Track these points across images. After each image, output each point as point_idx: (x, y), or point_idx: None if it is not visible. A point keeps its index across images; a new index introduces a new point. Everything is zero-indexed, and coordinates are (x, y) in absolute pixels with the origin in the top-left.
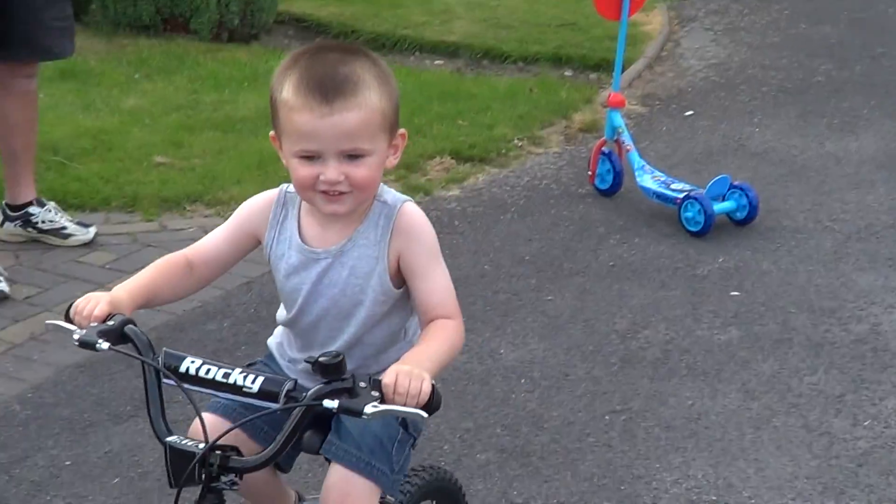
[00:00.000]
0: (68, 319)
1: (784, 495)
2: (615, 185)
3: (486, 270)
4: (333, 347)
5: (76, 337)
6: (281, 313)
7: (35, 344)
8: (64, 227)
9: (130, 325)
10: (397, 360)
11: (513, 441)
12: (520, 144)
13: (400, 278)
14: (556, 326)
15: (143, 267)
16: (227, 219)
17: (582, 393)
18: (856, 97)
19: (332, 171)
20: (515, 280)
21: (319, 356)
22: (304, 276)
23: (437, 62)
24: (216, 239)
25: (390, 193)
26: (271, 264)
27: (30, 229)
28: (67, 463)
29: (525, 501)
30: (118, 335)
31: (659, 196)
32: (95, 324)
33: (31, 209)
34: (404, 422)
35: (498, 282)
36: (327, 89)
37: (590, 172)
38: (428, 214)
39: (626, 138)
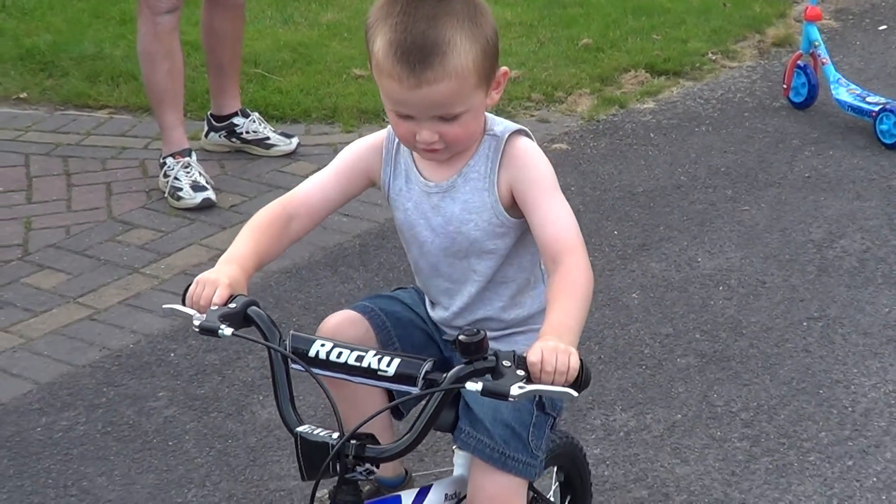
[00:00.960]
0: (185, 304)
1: None
2: (810, 98)
3: (682, 181)
4: (460, 296)
5: (196, 323)
6: (412, 265)
7: None
8: (267, 138)
9: (254, 307)
10: (536, 308)
11: (712, 346)
12: (714, 58)
13: (517, 210)
14: (752, 236)
15: None
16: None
17: (779, 300)
18: None
19: (426, 132)
20: (711, 191)
21: (459, 334)
22: (422, 209)
23: None
24: (321, 183)
25: (501, 125)
26: (391, 202)
27: (234, 139)
28: None
29: (725, 404)
30: (241, 318)
31: (854, 109)
32: (216, 307)
33: (236, 119)
34: (540, 401)
35: (694, 192)
36: (415, 61)
37: (784, 86)
38: (623, 127)
39: (822, 51)
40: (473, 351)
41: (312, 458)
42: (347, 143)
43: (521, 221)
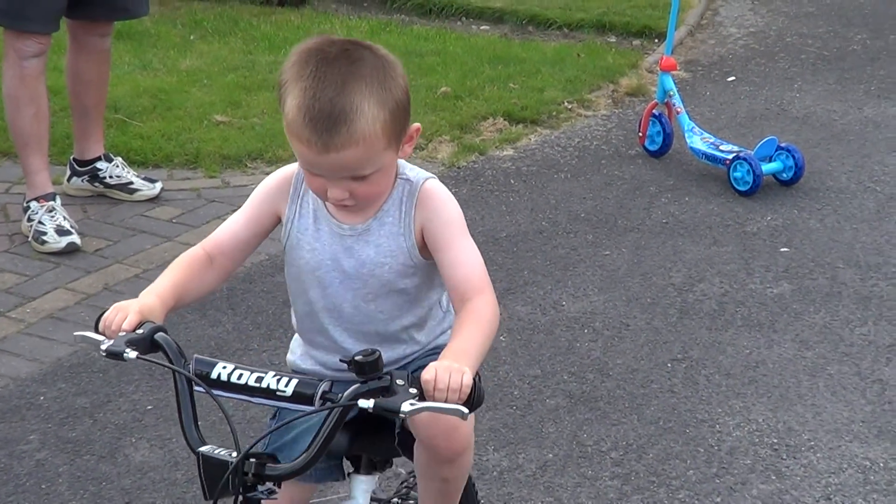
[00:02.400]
0: (98, 331)
1: (841, 438)
2: (665, 146)
3: (543, 227)
4: (367, 332)
5: (103, 347)
6: (301, 309)
7: (109, 294)
8: (131, 182)
9: (161, 333)
10: (439, 336)
11: (580, 387)
12: (569, 107)
13: (427, 251)
14: (614, 279)
15: (210, 222)
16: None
17: (643, 342)
18: (892, 65)
19: (336, 191)
20: (573, 236)
21: (355, 355)
22: (332, 250)
23: (483, 27)
24: (234, 225)
25: (413, 170)
26: (291, 241)
27: (97, 184)
28: (149, 407)
29: (595, 443)
30: (148, 344)
31: (708, 157)
32: (124, 333)
33: (99, 164)
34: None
35: (556, 237)
36: (322, 128)
37: (640, 134)
38: (484, 173)
39: (677, 101)
40: (368, 370)
41: (214, 476)
42: (211, 188)
43: (429, 262)
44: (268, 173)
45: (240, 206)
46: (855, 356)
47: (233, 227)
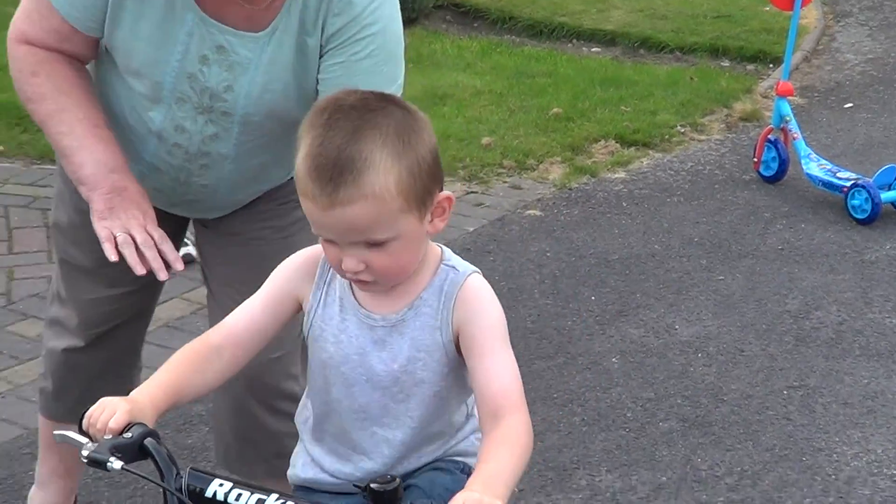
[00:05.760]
0: (82, 431)
1: None
2: (780, 172)
3: (656, 250)
4: (387, 445)
5: (84, 454)
6: (319, 408)
7: None
8: None
9: (150, 439)
10: (461, 442)
11: (694, 411)
12: (682, 131)
13: (459, 351)
14: (728, 305)
15: None
16: None
17: (758, 368)
18: None
19: (349, 259)
20: (686, 260)
21: (370, 481)
22: (360, 343)
23: (594, 49)
24: (248, 311)
25: (459, 260)
26: (311, 333)
27: None
28: None
29: (709, 468)
30: (135, 451)
31: (825, 184)
32: (110, 436)
33: None
34: None
35: (669, 261)
36: (327, 178)
37: (755, 159)
38: (595, 195)
39: (794, 126)
40: (387, 500)
41: None
42: None
43: (461, 361)
44: None
45: None
46: None
47: (248, 312)
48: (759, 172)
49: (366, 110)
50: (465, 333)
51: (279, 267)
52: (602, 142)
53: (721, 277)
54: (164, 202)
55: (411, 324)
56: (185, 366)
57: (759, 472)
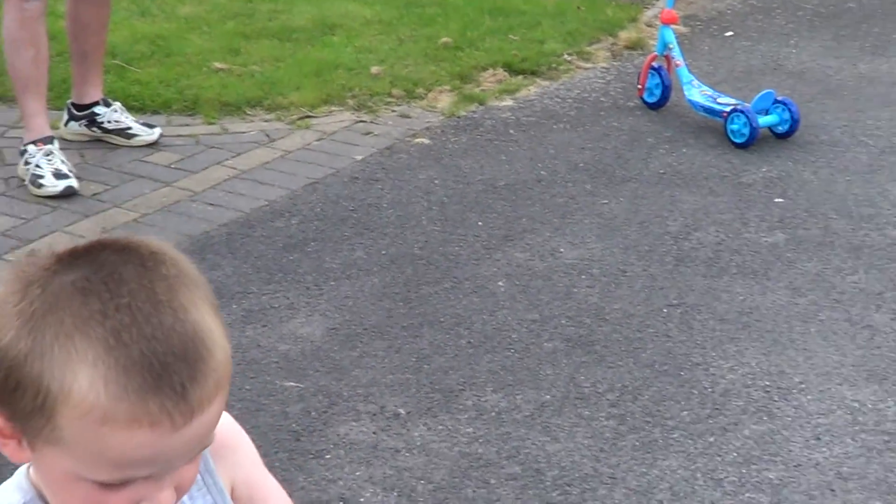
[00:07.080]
0: None
1: (831, 381)
2: (663, 98)
3: (542, 176)
4: None
5: None
6: None
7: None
8: (129, 128)
9: None
10: None
11: (577, 331)
12: (569, 59)
13: None
14: (612, 228)
15: (209, 168)
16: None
17: (640, 288)
18: (886, 23)
19: (166, 493)
20: (571, 185)
21: None
22: None
23: None
24: None
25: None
26: None
27: (94, 129)
28: None
29: (592, 385)
30: None
31: (706, 109)
32: None
33: (97, 109)
34: None
35: (554, 186)
36: (178, 381)
37: (639, 86)
38: (483, 123)
39: (677, 54)
40: None
41: None
42: (210, 134)
43: None
44: (267, 121)
45: (238, 154)
46: (846, 303)
47: None
48: (642, 99)
49: (144, 266)
50: (239, 482)
51: None
52: (490, 70)
53: (605, 201)
54: None
55: None
56: None
57: (640, 388)
